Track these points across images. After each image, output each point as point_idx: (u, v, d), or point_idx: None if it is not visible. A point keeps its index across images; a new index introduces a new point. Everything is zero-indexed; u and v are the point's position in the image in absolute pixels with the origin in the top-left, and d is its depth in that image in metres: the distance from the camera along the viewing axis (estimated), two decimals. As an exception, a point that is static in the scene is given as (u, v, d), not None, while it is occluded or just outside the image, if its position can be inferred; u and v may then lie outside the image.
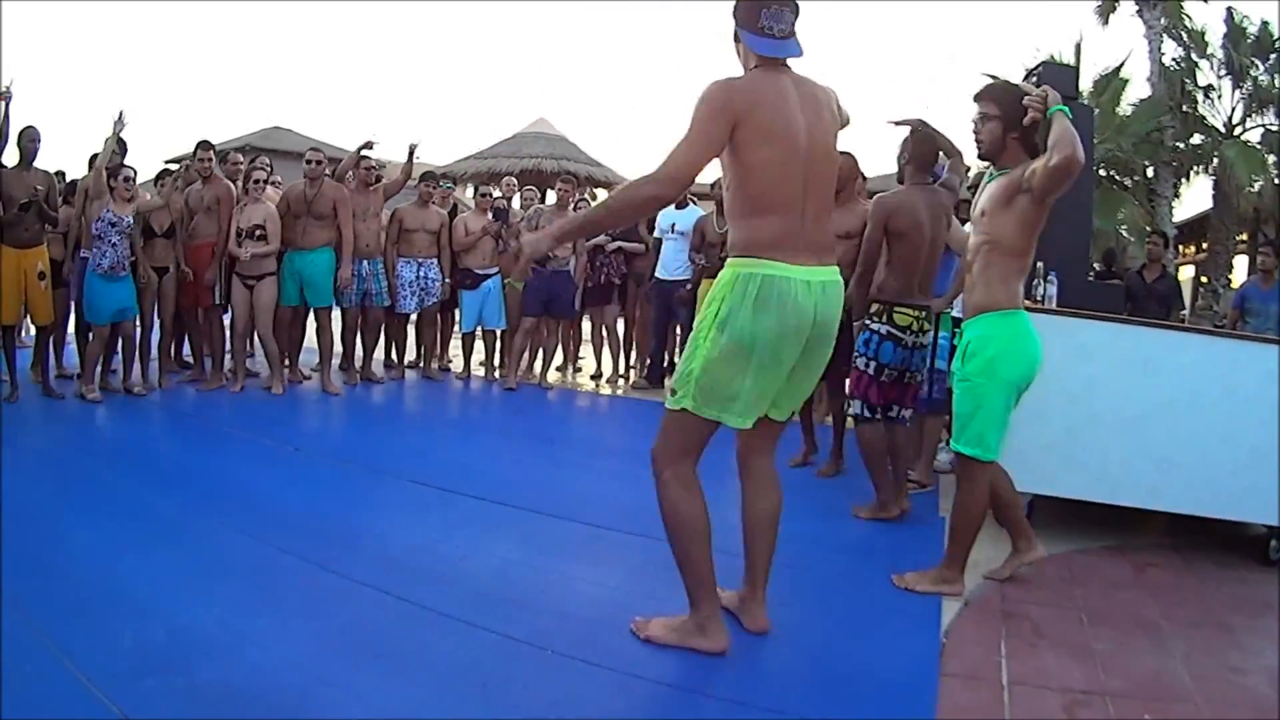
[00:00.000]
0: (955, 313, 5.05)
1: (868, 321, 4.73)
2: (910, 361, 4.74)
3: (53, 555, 3.64)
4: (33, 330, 7.31)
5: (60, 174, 7.67)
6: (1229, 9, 17.84)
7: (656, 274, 8.28)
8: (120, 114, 6.81)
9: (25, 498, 4.30)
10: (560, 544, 4.09)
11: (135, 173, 6.84)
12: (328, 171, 7.49)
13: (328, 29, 63.50)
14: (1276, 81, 17.23)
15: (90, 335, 6.81)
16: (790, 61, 2.93)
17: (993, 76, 4.56)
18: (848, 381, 4.89)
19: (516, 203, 9.57)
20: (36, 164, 6.61)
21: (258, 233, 7.04)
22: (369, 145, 7.58)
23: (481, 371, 8.82)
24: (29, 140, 6.55)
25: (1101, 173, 17.15)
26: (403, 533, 4.12)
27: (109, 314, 6.66)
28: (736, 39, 3.00)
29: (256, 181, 7.24)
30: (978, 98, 3.57)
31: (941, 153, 4.91)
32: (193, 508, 4.36)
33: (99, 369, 6.90)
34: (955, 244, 4.39)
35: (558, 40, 66.41)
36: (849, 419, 5.10)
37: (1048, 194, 3.30)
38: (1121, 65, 18.61)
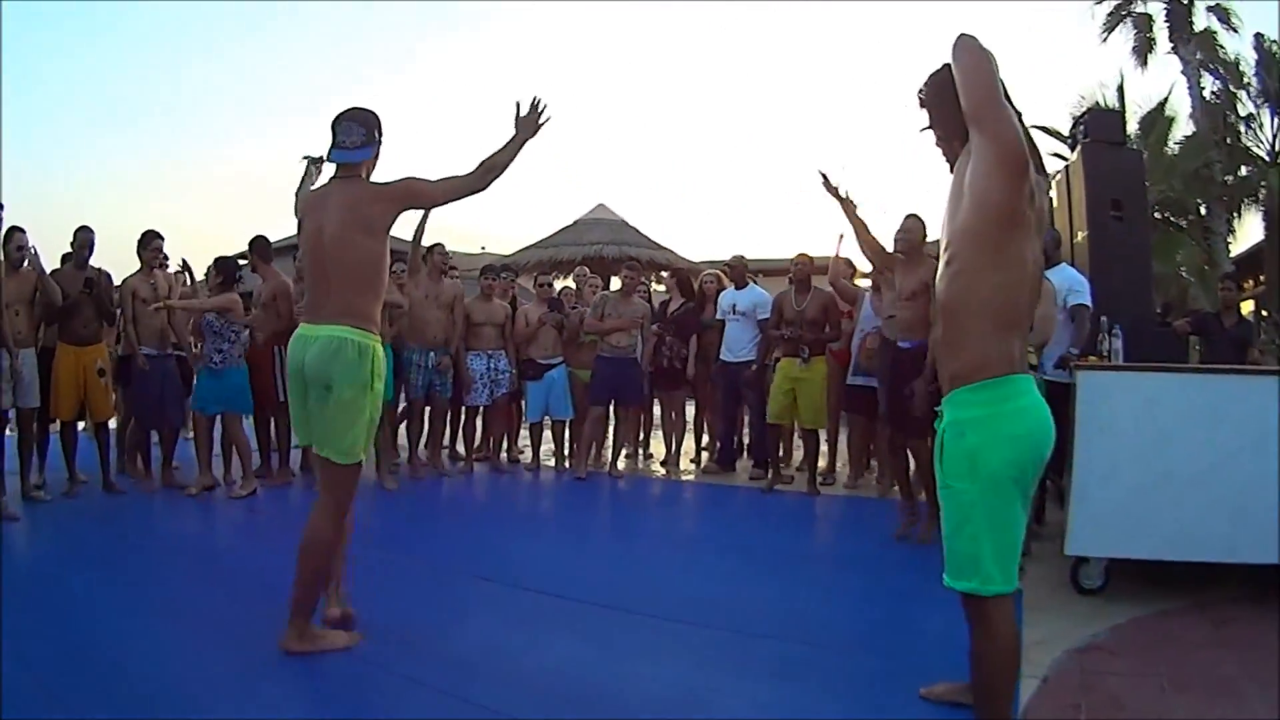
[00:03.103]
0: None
1: None
2: None
3: (85, 644, 3.76)
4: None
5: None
6: (1257, 35, 17.96)
7: (721, 356, 8.23)
8: (184, 261, 7.46)
9: (68, 587, 4.58)
10: (623, 639, 3.99)
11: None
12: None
13: (393, 116, 64.58)
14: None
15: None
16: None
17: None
18: None
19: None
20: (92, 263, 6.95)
21: None
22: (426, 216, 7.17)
23: (551, 462, 8.80)
24: (80, 245, 6.87)
25: (1156, 215, 17.06)
26: (462, 629, 4.08)
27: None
28: None
29: None
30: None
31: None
32: (244, 604, 4.33)
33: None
34: None
35: (614, 125, 67.38)
36: None
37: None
38: (1164, 103, 18.62)
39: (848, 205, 5.93)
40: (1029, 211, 2.42)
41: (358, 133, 3.70)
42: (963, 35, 2.44)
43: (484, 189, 3.77)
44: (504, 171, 3.76)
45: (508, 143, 3.77)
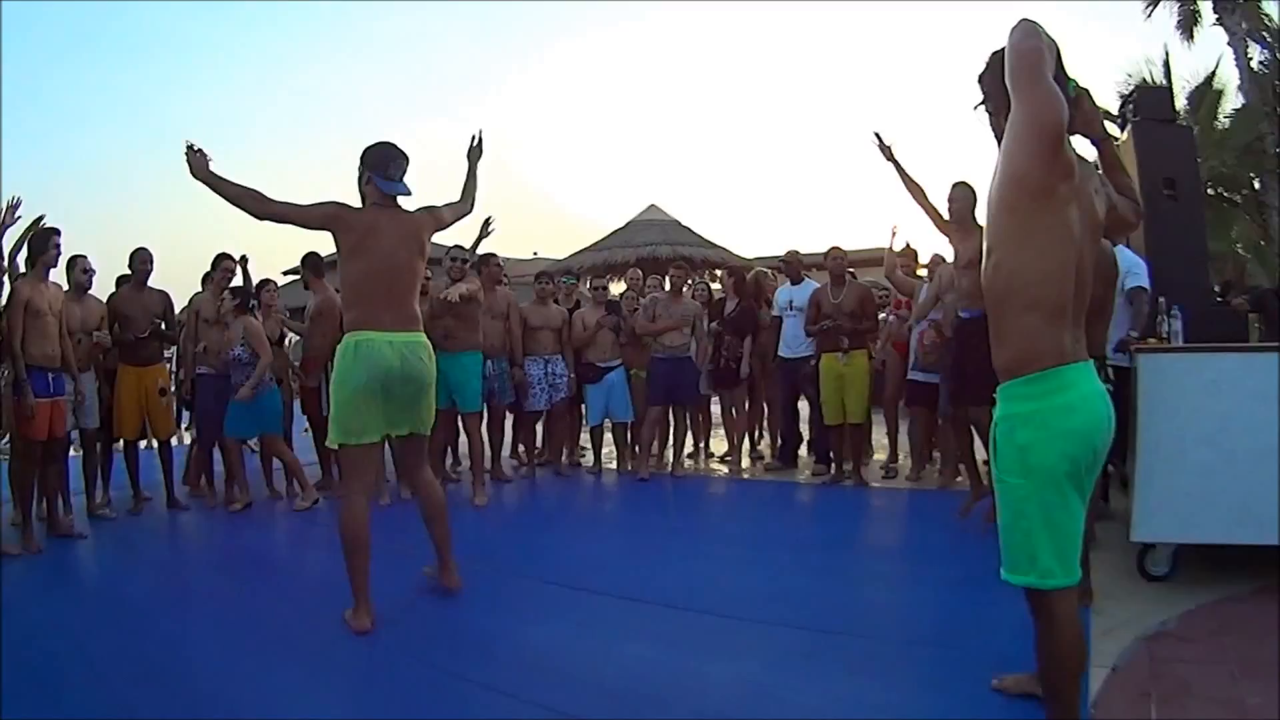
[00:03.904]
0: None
1: None
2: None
3: (155, 652, 3.92)
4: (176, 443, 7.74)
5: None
6: (1300, -1, 17.51)
7: (780, 352, 8.26)
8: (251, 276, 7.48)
9: (134, 599, 4.83)
10: (691, 639, 3.97)
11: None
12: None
13: (435, 130, 65.43)
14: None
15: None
16: None
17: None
18: None
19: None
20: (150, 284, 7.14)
21: None
22: (488, 228, 7.43)
23: (613, 464, 8.89)
24: (140, 262, 7.02)
25: (1209, 191, 16.73)
26: (531, 634, 4.08)
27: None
28: (366, 179, 4.37)
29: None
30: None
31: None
32: (310, 612, 4.44)
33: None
34: None
35: (665, 124, 67.64)
36: None
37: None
38: (1212, 76, 18.33)
39: (903, 170, 5.90)
40: (1062, 187, 2.34)
41: (405, 170, 4.40)
42: (1023, 20, 2.42)
43: (471, 210, 4.85)
44: (475, 192, 4.88)
45: (468, 173, 4.91)
